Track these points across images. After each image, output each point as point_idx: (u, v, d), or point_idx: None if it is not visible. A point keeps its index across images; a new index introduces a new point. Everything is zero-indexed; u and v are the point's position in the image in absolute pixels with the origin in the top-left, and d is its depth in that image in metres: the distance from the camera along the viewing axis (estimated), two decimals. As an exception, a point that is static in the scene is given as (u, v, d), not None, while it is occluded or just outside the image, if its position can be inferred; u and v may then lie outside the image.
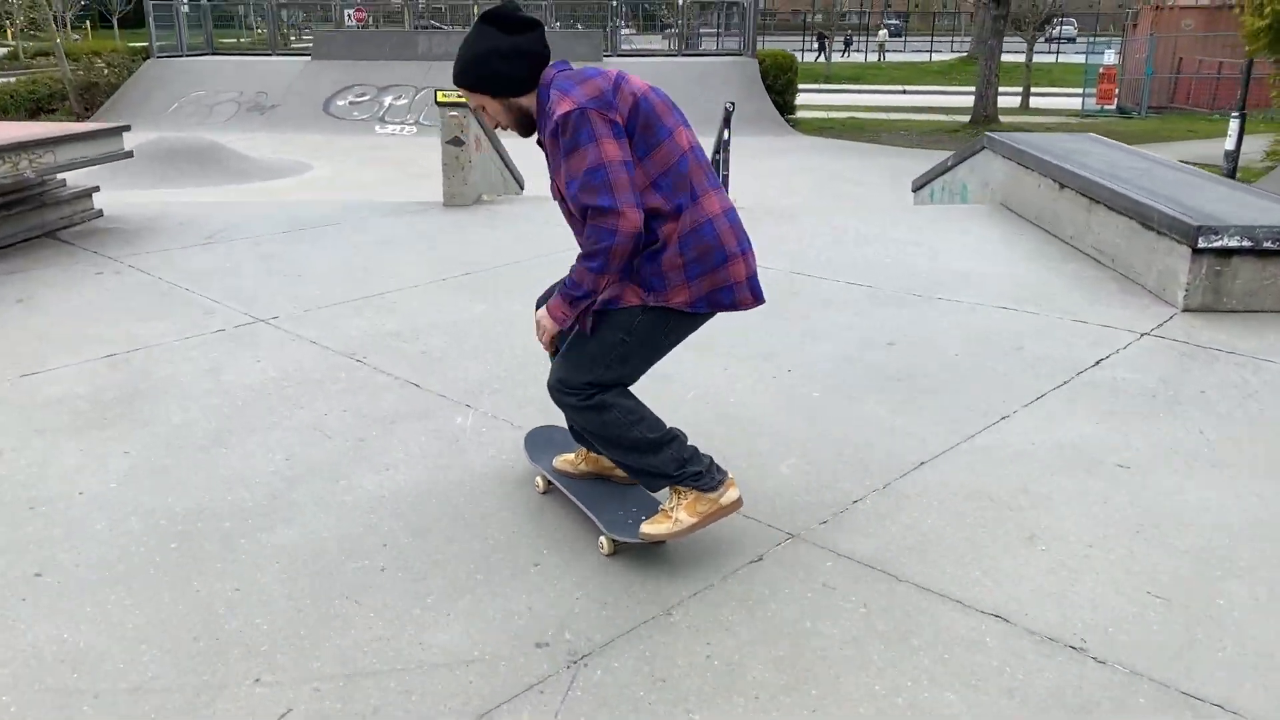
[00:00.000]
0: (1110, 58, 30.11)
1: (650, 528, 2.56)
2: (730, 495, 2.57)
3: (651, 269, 2.44)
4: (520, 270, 5.34)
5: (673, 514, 2.56)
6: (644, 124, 2.37)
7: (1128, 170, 5.52)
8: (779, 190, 12.80)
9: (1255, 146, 18.38)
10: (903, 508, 2.81)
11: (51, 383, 3.74)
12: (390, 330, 4.34)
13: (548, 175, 2.49)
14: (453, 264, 5.47)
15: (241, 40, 31.99)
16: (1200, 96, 28.50)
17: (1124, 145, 6.89)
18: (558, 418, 2.95)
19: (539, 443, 3.07)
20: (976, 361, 3.87)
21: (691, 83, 22.27)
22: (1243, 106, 12.80)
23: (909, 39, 55.76)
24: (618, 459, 2.62)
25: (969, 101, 31.46)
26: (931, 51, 48.80)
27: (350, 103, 22.13)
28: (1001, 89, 38.22)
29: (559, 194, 2.47)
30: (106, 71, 23.30)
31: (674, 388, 3.63)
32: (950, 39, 53.57)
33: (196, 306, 4.65)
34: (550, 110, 2.35)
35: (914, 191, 9.33)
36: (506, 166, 8.44)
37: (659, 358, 2.61)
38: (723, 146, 7.07)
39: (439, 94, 6.80)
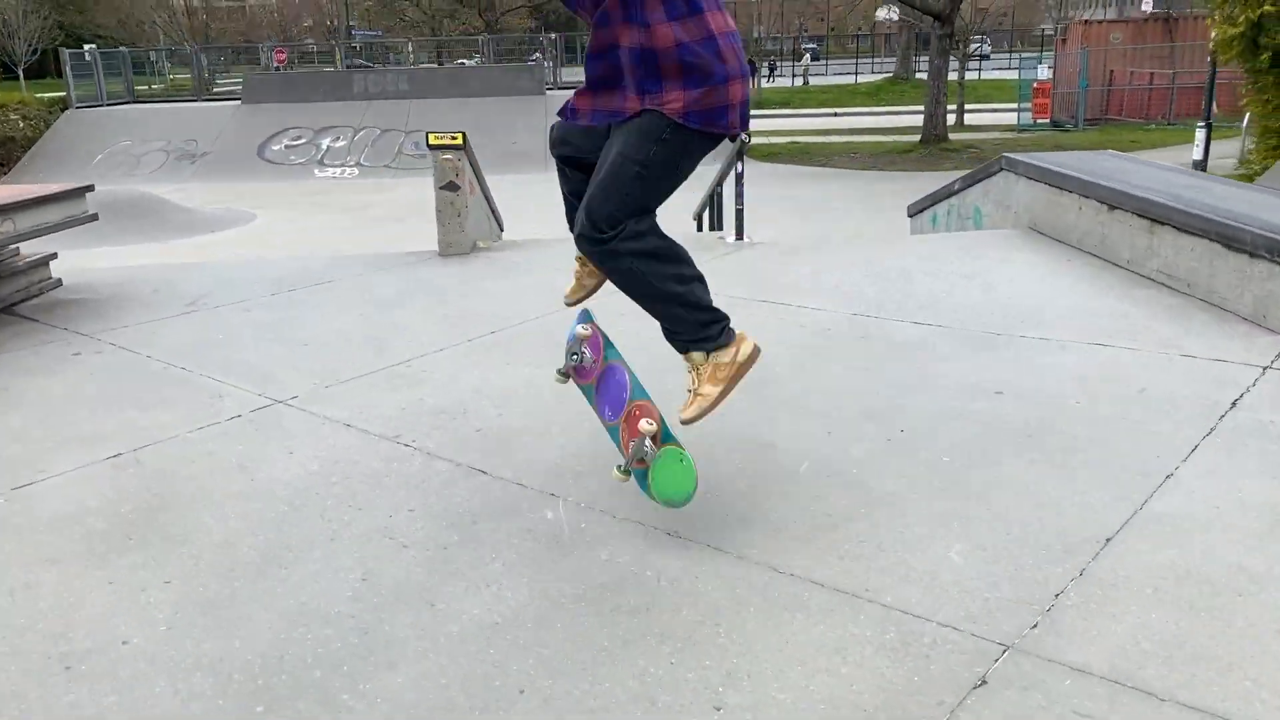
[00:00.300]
0: (1044, 72, 30.79)
1: (687, 413, 2.66)
2: (745, 349, 2.68)
3: (646, 68, 2.47)
4: (549, 326, 4.89)
5: (699, 391, 2.66)
6: None
7: (1183, 187, 5.29)
8: (763, 220, 12.49)
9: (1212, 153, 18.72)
10: (1114, 599, 2.43)
11: (53, 495, 3.19)
12: (432, 405, 3.86)
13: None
14: (473, 322, 5.00)
15: (154, 87, 31.01)
16: (1133, 107, 29.23)
17: (1153, 161, 6.69)
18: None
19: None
20: (1105, 410, 3.54)
21: None
22: (1208, 115, 12.90)
23: (829, 62, 56.59)
24: (676, 302, 2.66)
25: (904, 121, 32.00)
26: (856, 74, 49.58)
27: (286, 146, 21.50)
28: (972, 105, 39.00)
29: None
30: (22, 124, 22.29)
31: (783, 458, 3.22)
32: (871, 60, 54.53)
33: (200, 389, 4.12)
34: None
35: (911, 217, 9.10)
36: (491, 210, 7.99)
37: (680, 179, 2.62)
38: (736, 179, 6.69)
39: (431, 136, 6.35)
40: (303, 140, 21.68)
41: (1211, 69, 15.30)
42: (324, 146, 21.46)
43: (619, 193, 2.56)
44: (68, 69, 23.00)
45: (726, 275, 5.69)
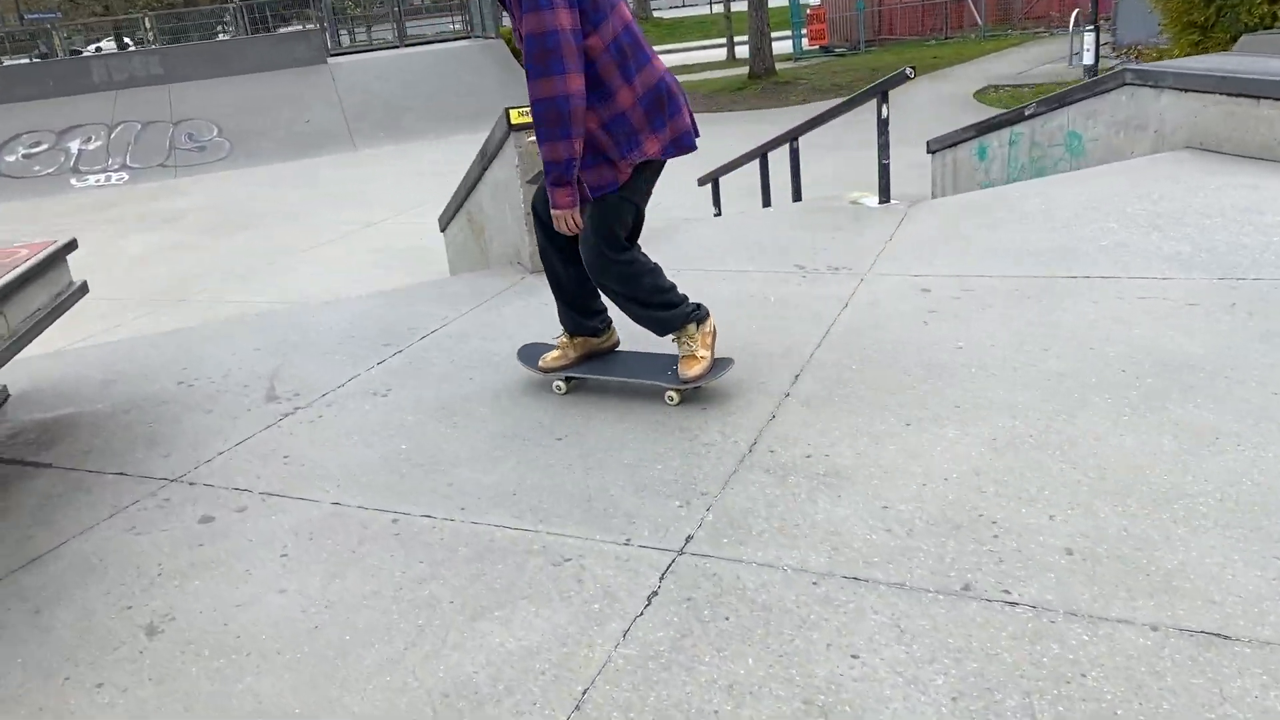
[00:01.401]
0: (814, -2, 31.20)
1: (689, 371, 3.23)
2: (712, 320, 3.31)
3: (622, 134, 2.94)
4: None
5: (695, 353, 3.24)
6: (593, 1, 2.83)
7: None
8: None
9: (1026, 60, 19.29)
10: None
11: None
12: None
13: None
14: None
15: None
16: (905, 26, 30.22)
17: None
18: None
19: (533, 357, 3.58)
20: None
21: (433, 76, 20.11)
22: (1095, 18, 12.95)
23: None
24: (645, 309, 3.20)
25: (709, 56, 31.63)
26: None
27: (24, 156, 17.92)
28: (709, 41, 38.96)
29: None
30: None
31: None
32: None
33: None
34: None
35: (933, 153, 8.28)
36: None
37: (637, 208, 3.15)
38: (880, 127, 5.53)
39: (513, 112, 4.76)
40: (44, 146, 18.07)
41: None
42: (74, 150, 17.99)
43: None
44: None
45: (965, 250, 4.57)
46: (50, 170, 17.52)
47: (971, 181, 7.80)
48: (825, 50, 29.61)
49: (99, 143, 18.14)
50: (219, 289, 9.35)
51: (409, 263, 9.43)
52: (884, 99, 5.35)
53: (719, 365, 3.28)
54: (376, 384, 3.82)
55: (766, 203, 7.26)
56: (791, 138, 6.56)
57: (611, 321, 3.52)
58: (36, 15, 51.37)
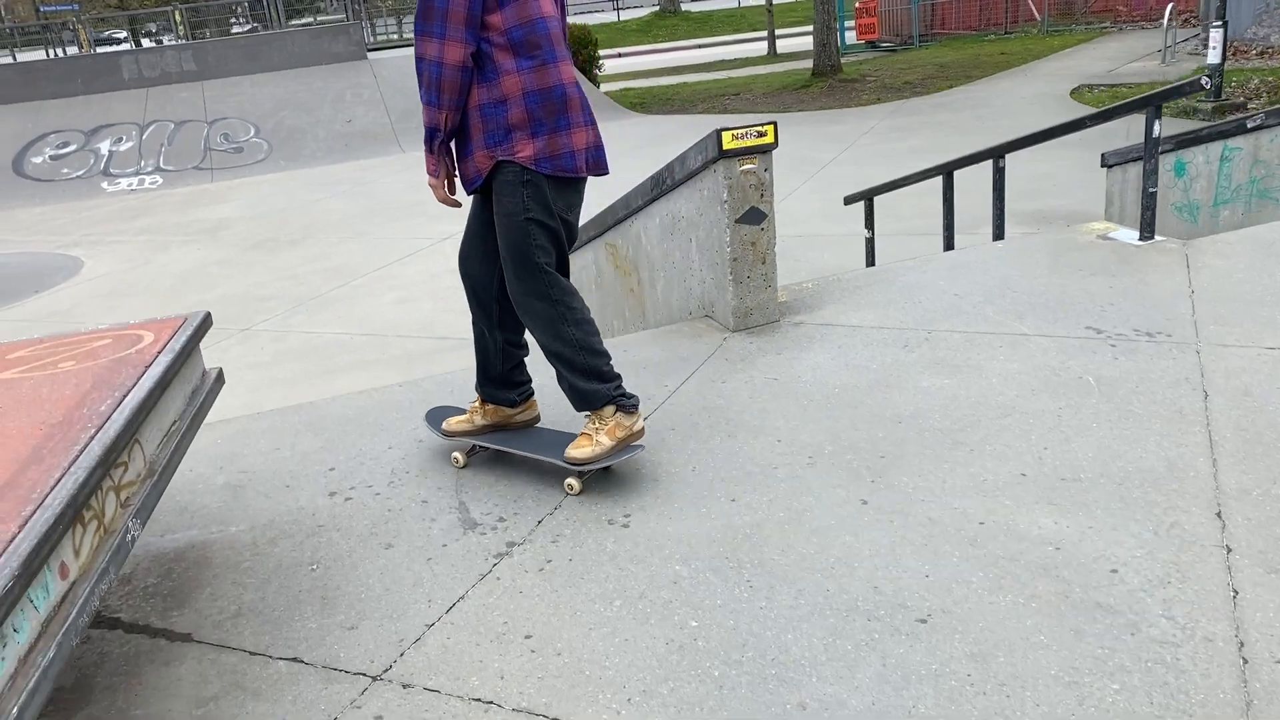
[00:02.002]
0: (866, -10, 30.11)
1: (575, 451, 2.86)
2: (640, 423, 2.92)
3: (496, 123, 2.69)
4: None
5: (595, 436, 2.86)
6: None
7: None
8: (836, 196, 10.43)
9: (1107, 56, 18.26)
10: None
11: None
12: None
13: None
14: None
15: None
16: (960, 20, 29.14)
17: None
18: None
19: (437, 420, 3.28)
20: None
21: None
22: (1224, 13, 11.94)
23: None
24: (570, 370, 2.85)
25: (744, 51, 30.75)
26: (617, 10, 49.12)
27: (51, 157, 17.08)
28: (742, 35, 38.08)
29: None
30: None
31: None
32: None
33: None
34: None
35: (1109, 168, 7.28)
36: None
37: (568, 229, 2.87)
38: (1148, 147, 4.53)
39: (726, 135, 3.81)
40: (73, 147, 17.21)
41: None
42: (104, 152, 17.13)
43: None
44: None
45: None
46: (80, 173, 16.67)
47: (1163, 202, 6.82)
48: (872, 45, 28.59)
49: (130, 144, 17.28)
50: (286, 317, 8.43)
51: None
52: (1157, 112, 4.38)
53: (617, 452, 2.88)
54: (603, 503, 2.89)
55: (949, 234, 6.26)
56: (995, 155, 5.59)
57: (533, 394, 3.22)
58: (53, 8, 50.71)
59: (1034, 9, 27.82)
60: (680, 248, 4.49)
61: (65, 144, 17.23)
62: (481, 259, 2.95)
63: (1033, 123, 13.38)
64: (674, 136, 16.01)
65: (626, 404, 2.88)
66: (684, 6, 48.00)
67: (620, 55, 35.08)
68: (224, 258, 10.83)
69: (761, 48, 30.80)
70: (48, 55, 24.71)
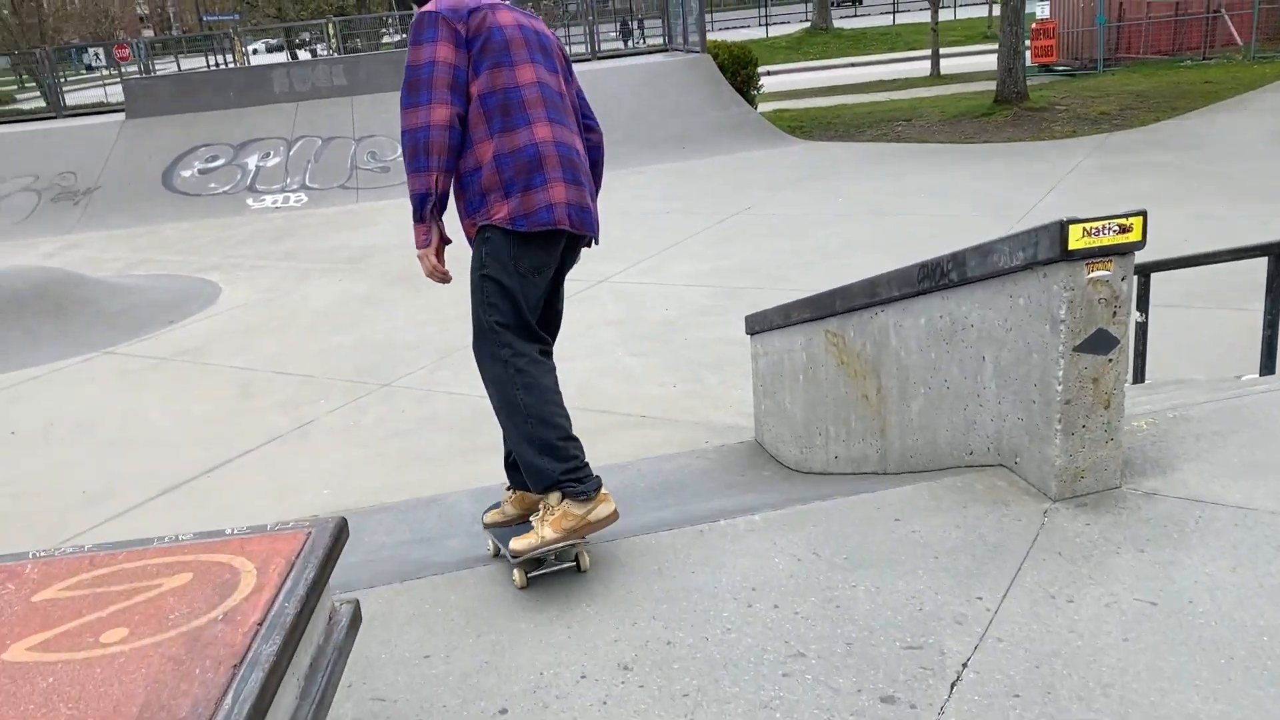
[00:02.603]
0: (1044, 10, 28.22)
1: (518, 543, 2.69)
2: (601, 511, 2.70)
3: (473, 190, 2.79)
4: None
5: (539, 530, 2.68)
6: (489, 46, 2.76)
7: None
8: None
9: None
10: None
11: None
12: None
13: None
14: None
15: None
16: (1150, 44, 26.94)
17: None
18: None
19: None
20: None
21: (630, 95, 18.34)
22: None
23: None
24: (511, 432, 2.77)
25: (902, 70, 29.27)
26: (766, 25, 48.44)
27: (199, 171, 16.98)
28: (897, 54, 36.46)
29: None
30: None
31: None
32: (760, 10, 52.20)
33: None
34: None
35: None
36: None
37: (530, 289, 2.80)
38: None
39: (1075, 230, 2.65)
40: (221, 161, 17.10)
41: None
42: (251, 167, 16.95)
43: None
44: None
45: None
46: (226, 188, 16.51)
47: None
48: (1046, 69, 26.65)
49: (277, 159, 17.06)
50: (430, 372, 7.61)
51: (670, 353, 7.48)
52: None
53: (565, 543, 2.68)
54: None
55: (1271, 340, 4.82)
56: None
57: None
58: (215, 17, 52.84)
59: (1234, 33, 25.44)
60: (961, 364, 3.34)
61: (214, 158, 17.13)
62: None
63: (1274, 169, 11.65)
64: (843, 166, 14.79)
65: (576, 491, 2.69)
66: (835, 23, 46.76)
67: (769, 73, 34.12)
68: (366, 292, 10.15)
69: (920, 68, 29.31)
70: (207, 65, 25.23)
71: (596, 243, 3.01)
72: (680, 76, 19.28)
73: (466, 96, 2.77)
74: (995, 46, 31.41)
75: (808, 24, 47.73)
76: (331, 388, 7.42)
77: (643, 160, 16.86)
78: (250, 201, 16.19)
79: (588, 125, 3.14)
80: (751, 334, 5.58)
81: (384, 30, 39.74)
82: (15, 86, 36.75)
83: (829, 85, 28.43)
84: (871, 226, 10.80)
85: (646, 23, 37.16)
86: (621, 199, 14.18)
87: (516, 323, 2.77)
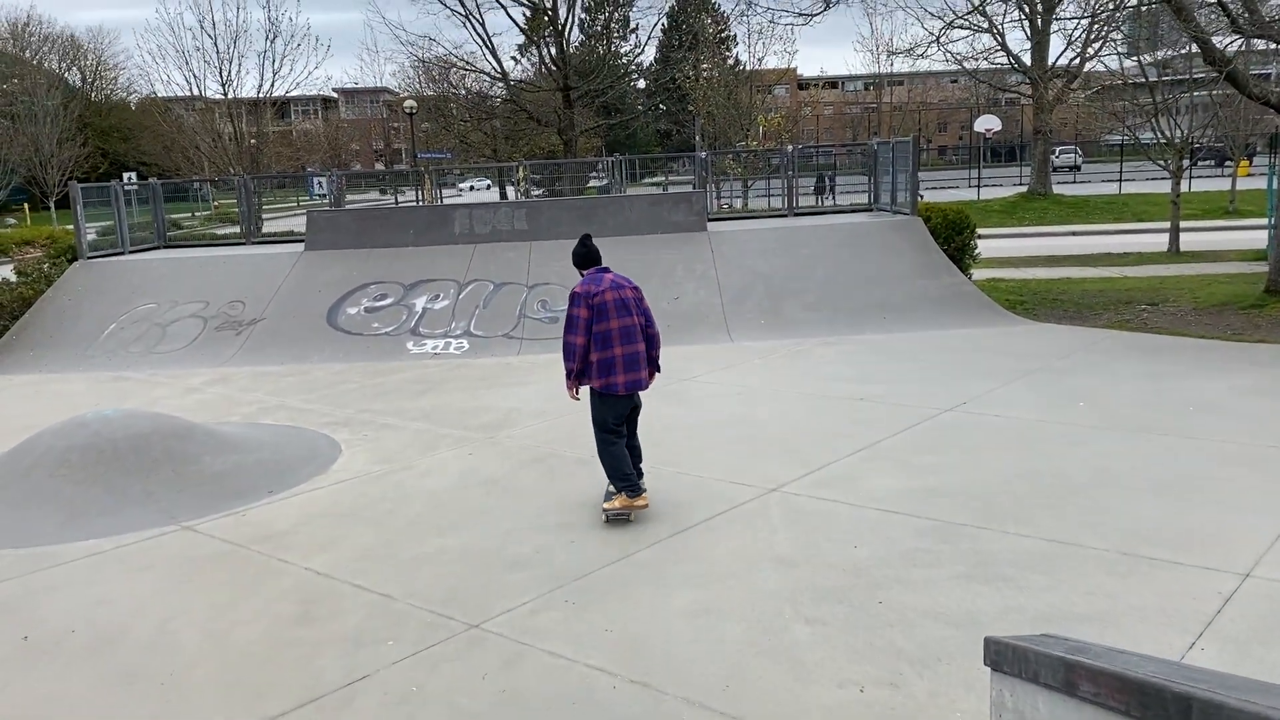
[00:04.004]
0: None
1: (607, 504, 7.24)
2: (640, 502, 7.24)
3: (588, 374, 7.13)
4: None
5: (615, 500, 7.20)
6: (598, 311, 7.03)
7: None
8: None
9: None
10: None
11: None
12: None
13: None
14: None
15: (192, 226, 26.66)
16: None
17: None
18: None
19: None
20: None
21: (826, 256, 16.73)
22: None
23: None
24: (607, 469, 7.34)
25: (1132, 242, 26.66)
26: (979, 187, 46.57)
27: (366, 309, 16.37)
28: (1124, 225, 33.67)
29: None
30: (15, 280, 17.41)
31: None
32: (968, 172, 50.34)
33: None
34: (579, 284, 7.29)
35: None
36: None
37: (614, 412, 7.28)
38: None
39: None
40: (389, 300, 16.49)
41: None
42: (418, 309, 16.23)
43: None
44: (78, 207, 18.17)
45: None
46: (389, 329, 15.78)
47: None
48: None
49: (445, 302, 16.29)
50: (532, 613, 5.89)
51: (859, 624, 5.50)
52: None
53: (620, 515, 7.24)
54: None
55: None
56: None
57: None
58: (428, 154, 55.54)
59: None
60: None
61: (383, 296, 16.55)
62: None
63: None
64: (1079, 357, 12.48)
65: (626, 486, 7.23)
66: (1055, 189, 44.37)
67: (980, 237, 32.30)
68: (493, 473, 8.66)
69: (1152, 241, 26.62)
70: (417, 200, 25.50)
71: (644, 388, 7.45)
72: (886, 239, 17.59)
73: (590, 332, 7.08)
74: (1249, 223, 28.25)
75: (1024, 187, 45.64)
76: (408, 621, 5.81)
77: (837, 329, 15.12)
78: (411, 345, 15.36)
79: (649, 328, 7.37)
80: (996, 669, 3.58)
81: (593, 174, 40.20)
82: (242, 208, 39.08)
83: (1048, 254, 26.10)
84: (1130, 448, 8.51)
85: (839, 179, 36.09)
86: (807, 374, 12.38)
87: (615, 426, 7.33)
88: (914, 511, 7.25)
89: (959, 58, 39.28)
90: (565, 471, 8.70)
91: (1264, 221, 24.95)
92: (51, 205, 51.09)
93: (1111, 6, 24.05)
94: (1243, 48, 17.49)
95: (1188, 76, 26.66)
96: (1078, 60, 40.07)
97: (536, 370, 13.59)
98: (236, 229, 23.64)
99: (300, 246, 18.55)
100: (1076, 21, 38.05)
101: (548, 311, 16.02)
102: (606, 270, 7.36)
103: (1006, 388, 10.96)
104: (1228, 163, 42.39)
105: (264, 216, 28.94)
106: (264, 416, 11.37)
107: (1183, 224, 25.75)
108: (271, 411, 11.65)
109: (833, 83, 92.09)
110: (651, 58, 62.05)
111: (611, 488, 7.36)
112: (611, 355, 7.05)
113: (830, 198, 31.97)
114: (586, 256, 7.42)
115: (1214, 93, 27.60)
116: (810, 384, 11.78)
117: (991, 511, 7.17)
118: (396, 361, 14.74)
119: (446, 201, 28.51)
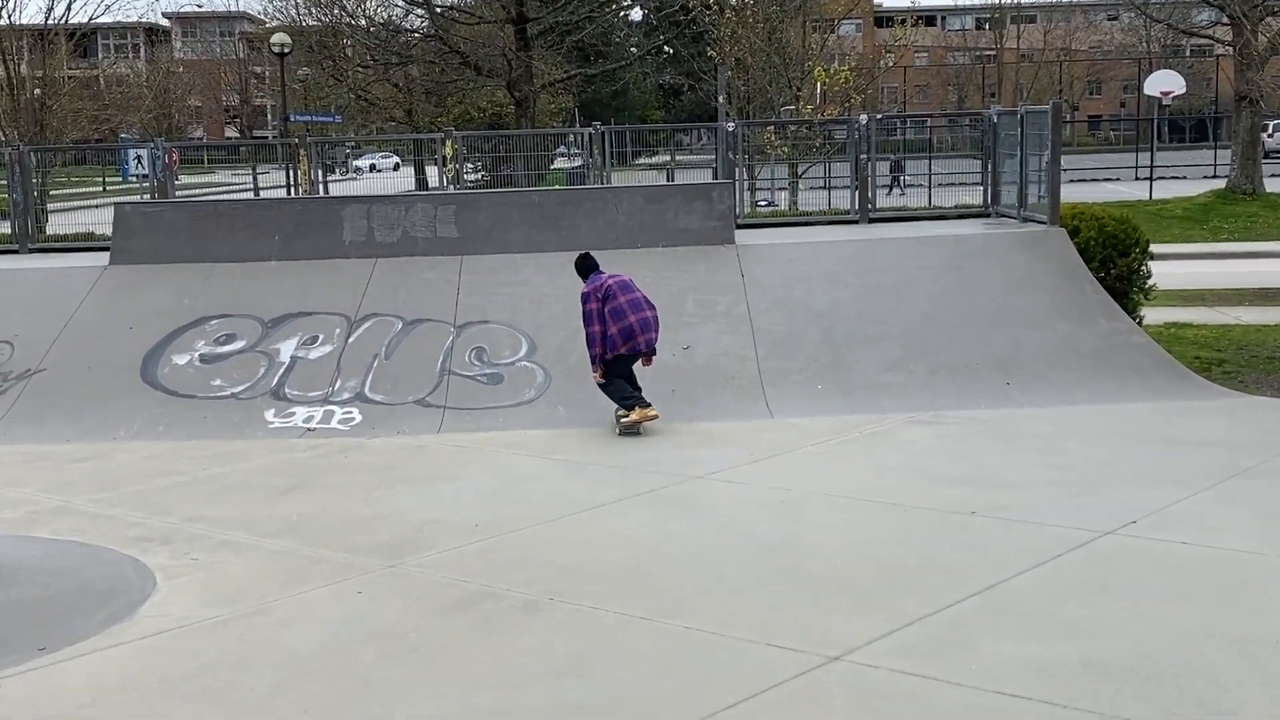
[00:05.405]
0: None
1: (622, 419, 15.26)
2: (650, 412, 14.97)
3: (608, 343, 15.13)
4: None
5: (629, 415, 15.13)
6: (606, 295, 15.15)
7: None
8: None
9: None
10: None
11: None
12: None
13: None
14: None
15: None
16: None
17: None
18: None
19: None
20: None
21: (916, 283, 17.16)
22: None
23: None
24: (612, 395, 15.35)
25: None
26: (1151, 182, 49.71)
27: (204, 358, 16.68)
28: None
29: None
30: None
31: None
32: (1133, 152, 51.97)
33: None
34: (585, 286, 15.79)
35: None
36: None
37: (627, 365, 15.33)
38: None
39: None
40: (240, 344, 16.52)
41: None
42: (284, 359, 16.28)
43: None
44: None
45: None
46: (239, 389, 15.93)
47: None
48: None
49: (327, 348, 16.47)
50: None
51: None
52: None
53: (634, 426, 14.87)
54: None
55: None
56: None
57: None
58: (308, 117, 56.17)
59: None
60: None
61: (230, 337, 16.68)
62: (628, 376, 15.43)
63: None
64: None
65: (631, 404, 14.96)
66: (1268, 185, 45.31)
67: (1153, 257, 33.81)
68: (390, 627, 8.58)
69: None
70: (288, 187, 25.90)
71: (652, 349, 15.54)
72: (1011, 261, 17.97)
73: (604, 319, 15.07)
74: None
75: (1220, 182, 46.66)
76: None
77: (937, 399, 15.34)
78: (271, 415, 15.51)
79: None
80: None
81: (560, 152, 40.66)
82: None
83: (1262, 286, 26.61)
84: None
85: (937, 166, 36.79)
86: (887, 470, 12.52)
87: (616, 376, 15.48)
88: (1057, 698, 7.21)
89: (1123, -17, 40.31)
90: (508, 623, 8.66)
91: None
92: None
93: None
94: None
95: None
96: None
97: (467, 458, 13.75)
98: (3, 229, 23.91)
99: (104, 258, 18.76)
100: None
101: (486, 366, 16.21)
102: (602, 272, 15.32)
103: (1196, 498, 11.06)
104: None
105: (49, 210, 29.11)
106: (35, 527, 11.46)
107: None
108: (52, 520, 11.74)
109: (929, 17, 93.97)
110: (652, -27, 63.27)
111: (620, 410, 14.89)
112: (629, 323, 14.74)
113: (899, 190, 32.54)
114: (588, 268, 15.42)
115: None
116: (892, 487, 11.90)
117: (1176, 697, 7.15)
118: (248, 440, 14.90)
119: (334, 191, 28.86)
